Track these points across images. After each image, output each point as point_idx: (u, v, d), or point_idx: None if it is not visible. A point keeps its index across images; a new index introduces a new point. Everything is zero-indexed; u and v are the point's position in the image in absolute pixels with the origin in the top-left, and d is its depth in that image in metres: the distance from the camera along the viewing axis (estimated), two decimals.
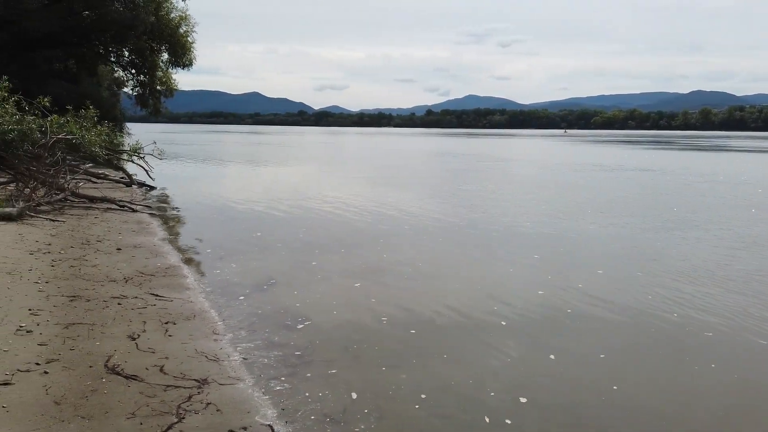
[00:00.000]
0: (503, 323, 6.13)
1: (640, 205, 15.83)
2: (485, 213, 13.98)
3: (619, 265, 8.97)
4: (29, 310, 5.48)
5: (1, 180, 13.41)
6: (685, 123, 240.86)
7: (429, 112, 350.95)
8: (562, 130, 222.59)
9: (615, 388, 4.66)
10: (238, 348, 5.10)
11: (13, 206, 10.09)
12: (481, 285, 7.73)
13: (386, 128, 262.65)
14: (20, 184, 11.65)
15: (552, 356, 5.27)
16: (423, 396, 4.40)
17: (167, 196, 15.96)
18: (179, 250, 9.11)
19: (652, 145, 69.48)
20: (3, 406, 3.65)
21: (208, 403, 3.94)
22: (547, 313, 6.50)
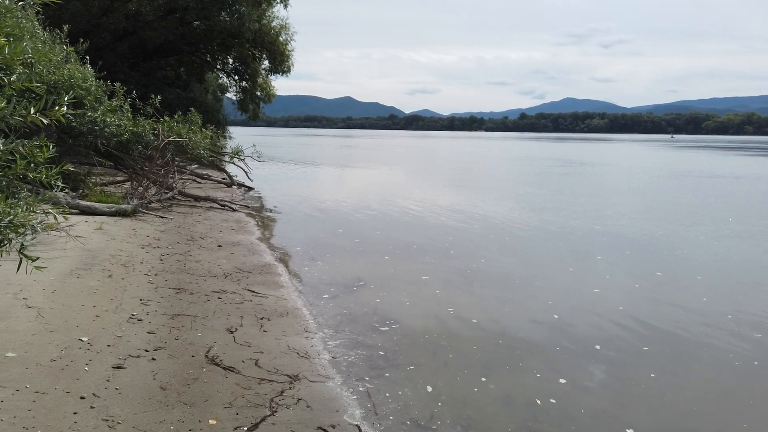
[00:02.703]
0: (596, 337, 5.84)
1: (740, 214, 14.51)
2: (574, 219, 13.40)
3: (716, 277, 8.27)
4: (140, 300, 5.92)
5: (118, 179, 14.64)
6: None
7: (523, 115, 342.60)
8: (669, 135, 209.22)
9: (713, 415, 4.29)
10: (328, 346, 5.22)
11: (128, 203, 10.96)
12: (571, 294, 7.40)
13: (477, 132, 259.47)
14: (134, 183, 12.65)
15: (651, 376, 4.94)
16: (511, 408, 4.28)
17: (263, 197, 16.69)
18: (274, 248, 9.48)
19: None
20: (116, 388, 3.96)
21: (299, 399, 4.05)
22: (643, 329, 6.11)
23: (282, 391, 4.14)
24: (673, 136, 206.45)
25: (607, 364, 5.18)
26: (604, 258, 9.62)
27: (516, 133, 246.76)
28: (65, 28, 11.41)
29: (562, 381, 4.77)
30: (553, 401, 4.40)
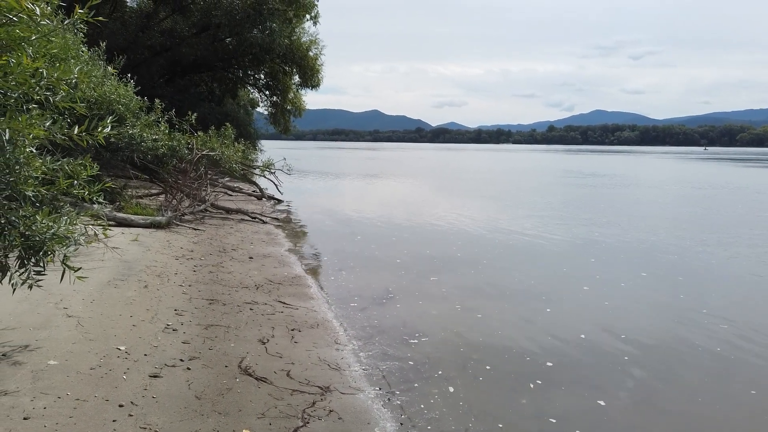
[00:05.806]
0: (628, 351, 5.73)
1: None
2: (604, 232, 13.20)
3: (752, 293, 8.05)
4: (175, 310, 6.05)
5: (153, 191, 15.00)
6: None
7: (551, 127, 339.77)
8: (702, 148, 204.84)
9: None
10: (359, 358, 5.25)
11: (163, 215, 11.23)
12: (603, 308, 7.29)
13: (504, 144, 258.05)
14: (168, 195, 12.95)
15: (686, 394, 4.83)
16: (544, 424, 4.23)
17: (293, 209, 16.90)
18: (303, 260, 9.58)
19: None
20: (153, 397, 4.05)
21: (331, 411, 4.09)
22: (676, 345, 5.98)
23: (314, 403, 4.18)
24: (707, 148, 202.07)
25: (639, 380, 5.08)
26: (630, 271, 9.44)
27: (544, 145, 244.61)
28: (103, 45, 11.81)
29: (593, 396, 4.70)
30: (585, 418, 4.34)
